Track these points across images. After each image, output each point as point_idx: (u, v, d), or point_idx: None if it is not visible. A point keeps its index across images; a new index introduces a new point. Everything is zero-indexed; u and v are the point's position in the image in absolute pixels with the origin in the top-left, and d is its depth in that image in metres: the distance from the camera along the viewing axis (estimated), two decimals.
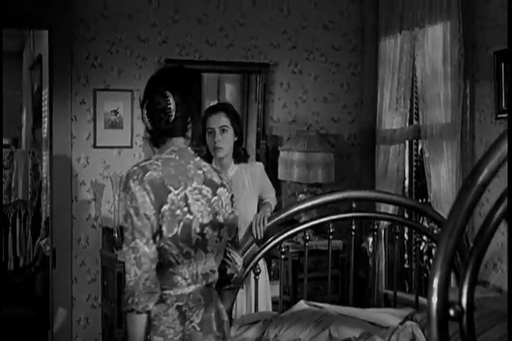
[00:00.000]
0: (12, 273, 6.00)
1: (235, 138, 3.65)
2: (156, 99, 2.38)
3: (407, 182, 5.18)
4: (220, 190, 2.41)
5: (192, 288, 2.35)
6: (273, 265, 4.93)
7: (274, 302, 3.89)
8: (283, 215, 3.59)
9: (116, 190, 4.65)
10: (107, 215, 4.82)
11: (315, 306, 3.74)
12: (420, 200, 5.04)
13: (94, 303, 4.83)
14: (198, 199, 2.34)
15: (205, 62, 5.05)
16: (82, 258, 4.80)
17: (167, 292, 2.32)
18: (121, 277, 4.33)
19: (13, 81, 7.57)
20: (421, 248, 4.58)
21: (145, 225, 2.27)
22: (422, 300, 3.91)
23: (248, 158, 3.81)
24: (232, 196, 2.47)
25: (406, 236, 5.23)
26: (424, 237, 4.28)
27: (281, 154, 5.05)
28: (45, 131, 5.98)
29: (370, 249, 4.97)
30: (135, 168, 2.34)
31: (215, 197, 2.39)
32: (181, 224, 2.31)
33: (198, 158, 2.43)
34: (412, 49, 4.83)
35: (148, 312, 2.27)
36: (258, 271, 3.63)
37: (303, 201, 3.72)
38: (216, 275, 2.44)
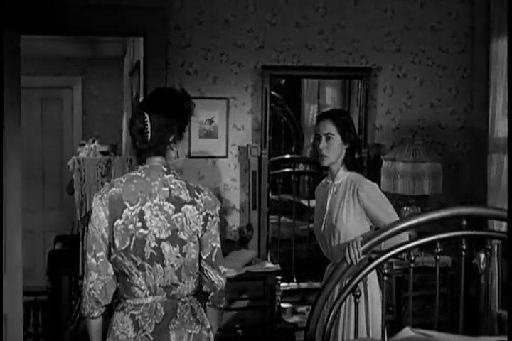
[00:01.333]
0: None
1: (345, 146, 3.49)
2: (134, 120, 2.53)
3: None
4: (186, 207, 2.49)
5: (150, 299, 2.51)
6: None
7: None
8: (384, 234, 3.30)
9: None
10: None
11: (423, 334, 3.42)
12: None
13: None
14: (157, 215, 2.48)
15: (304, 68, 4.89)
16: None
17: (127, 301, 2.53)
18: None
19: (117, 86, 7.57)
20: None
21: (94, 239, 2.50)
22: None
23: (361, 169, 3.62)
24: (208, 215, 2.53)
25: None
26: None
27: (384, 164, 4.83)
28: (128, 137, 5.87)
29: (482, 266, 4.62)
30: (106, 183, 2.58)
31: (179, 214, 2.48)
32: (133, 238, 2.46)
33: (170, 176, 2.53)
34: None
35: (98, 318, 2.53)
36: (358, 293, 3.35)
37: (407, 218, 3.41)
38: (182, 289, 2.53)
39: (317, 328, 3.25)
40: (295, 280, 5.08)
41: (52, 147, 7.48)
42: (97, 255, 2.50)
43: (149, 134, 2.51)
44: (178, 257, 2.49)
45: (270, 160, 4.94)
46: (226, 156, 4.77)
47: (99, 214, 2.50)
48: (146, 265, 2.48)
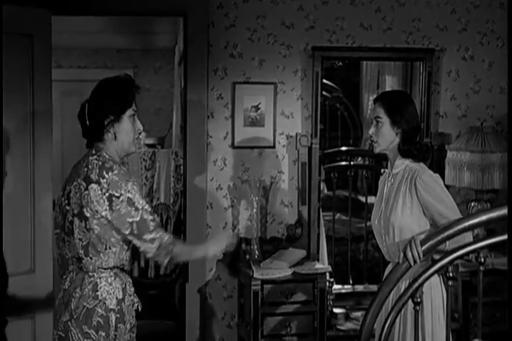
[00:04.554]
0: (151, 281, 5.75)
1: (397, 131, 3.17)
2: (80, 110, 2.86)
3: None
4: (92, 185, 2.73)
5: (71, 267, 2.84)
6: None
7: None
8: (448, 233, 2.92)
9: (256, 195, 4.19)
10: (246, 224, 4.42)
11: None
12: None
13: (231, 323, 4.49)
14: (76, 193, 2.77)
15: (359, 49, 4.58)
16: (217, 272, 4.47)
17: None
18: (258, 296, 3.89)
19: (168, 79, 7.46)
20: None
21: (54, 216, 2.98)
22: None
23: (425, 156, 3.24)
24: (112, 195, 2.72)
25: None
26: None
27: (449, 154, 4.54)
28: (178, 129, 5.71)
29: None
30: None
31: (86, 192, 2.74)
32: (62, 214, 2.84)
33: (93, 157, 2.79)
34: None
35: None
36: (418, 300, 2.96)
37: (475, 215, 3.02)
38: (88, 263, 2.79)
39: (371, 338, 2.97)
40: (350, 282, 4.77)
41: None
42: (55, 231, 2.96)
43: (87, 122, 2.82)
44: (84, 232, 2.76)
45: (324, 152, 4.70)
46: (273, 146, 4.51)
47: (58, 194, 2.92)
48: (65, 237, 2.84)
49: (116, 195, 2.71)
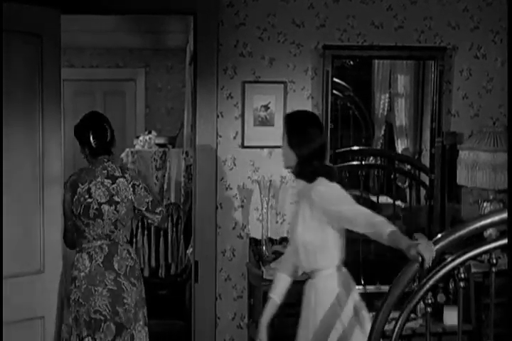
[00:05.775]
0: (162, 281, 5.73)
1: (295, 152, 3.18)
2: (96, 131, 4.00)
3: None
4: (119, 180, 3.86)
5: (98, 242, 3.83)
6: (451, 286, 4.30)
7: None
8: (461, 233, 2.87)
9: (266, 195, 4.16)
10: (256, 224, 4.38)
11: None
12: None
13: (241, 323, 4.45)
14: (99, 188, 3.83)
15: (371, 47, 4.54)
16: (227, 272, 4.43)
17: (83, 245, 3.87)
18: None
19: (180, 78, 7.47)
20: None
21: (65, 212, 3.94)
22: None
23: (312, 178, 3.16)
24: (134, 184, 3.87)
25: None
26: None
27: (462, 154, 4.48)
28: (188, 129, 5.69)
29: None
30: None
31: (114, 185, 3.84)
32: (82, 205, 3.83)
33: (109, 163, 3.91)
34: None
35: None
36: (429, 301, 2.90)
37: (487, 215, 2.96)
38: (118, 234, 3.86)
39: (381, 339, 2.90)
40: (362, 282, 4.71)
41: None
42: (68, 223, 3.95)
43: (107, 138, 3.96)
44: (113, 213, 3.82)
45: (335, 151, 4.66)
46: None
47: (66, 195, 3.92)
48: (90, 222, 3.82)
49: (137, 184, 3.87)
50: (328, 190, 3.07)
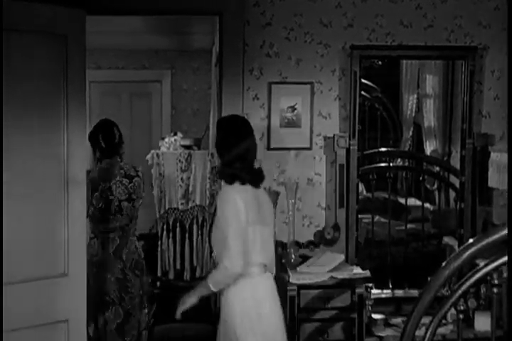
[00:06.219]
0: (187, 284, 5.68)
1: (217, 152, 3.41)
2: (110, 134, 4.39)
3: None
4: (136, 179, 4.32)
5: (116, 234, 4.24)
6: (482, 291, 4.23)
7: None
8: (488, 240, 2.76)
9: (292, 198, 4.10)
10: (281, 227, 4.31)
11: None
12: None
13: None
14: (118, 186, 4.25)
15: (399, 47, 4.48)
16: None
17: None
18: (294, 301, 3.80)
19: (206, 79, 7.45)
20: None
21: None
22: None
23: (231, 180, 3.28)
24: (144, 182, 4.42)
25: None
26: None
27: (493, 156, 4.42)
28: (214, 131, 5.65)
29: None
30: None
31: (131, 184, 4.29)
32: (105, 201, 4.23)
33: (123, 163, 4.34)
34: None
35: None
36: (462, 308, 2.82)
37: None
38: (130, 227, 4.30)
39: None
40: (390, 286, 4.65)
41: (141, 142, 7.40)
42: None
43: (116, 140, 4.33)
44: (130, 209, 4.28)
45: (363, 153, 4.60)
46: (310, 148, 4.42)
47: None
48: (111, 216, 4.24)
49: (144, 180, 4.43)
50: (219, 200, 3.22)
